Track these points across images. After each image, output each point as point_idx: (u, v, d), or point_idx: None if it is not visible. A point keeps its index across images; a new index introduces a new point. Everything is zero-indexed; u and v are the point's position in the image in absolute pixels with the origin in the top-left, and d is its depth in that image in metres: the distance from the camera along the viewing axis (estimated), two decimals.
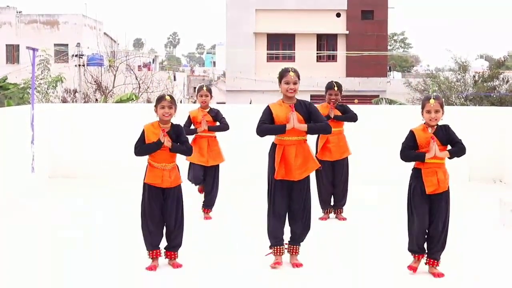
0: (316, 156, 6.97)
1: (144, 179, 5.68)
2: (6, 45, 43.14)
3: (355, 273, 5.68)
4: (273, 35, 36.56)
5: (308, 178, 5.80)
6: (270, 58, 36.89)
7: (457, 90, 28.81)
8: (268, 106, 5.78)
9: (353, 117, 7.75)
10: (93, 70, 29.14)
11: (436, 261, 5.56)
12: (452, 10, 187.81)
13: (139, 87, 26.39)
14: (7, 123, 9.03)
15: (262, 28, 36.11)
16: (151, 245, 5.70)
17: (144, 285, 5.36)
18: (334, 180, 7.79)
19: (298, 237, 5.85)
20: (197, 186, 8.09)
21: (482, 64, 40.67)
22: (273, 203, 5.74)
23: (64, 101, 26.98)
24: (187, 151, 5.75)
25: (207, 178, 7.88)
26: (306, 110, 5.70)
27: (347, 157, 7.84)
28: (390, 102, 24.14)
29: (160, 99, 5.70)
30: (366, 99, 31.64)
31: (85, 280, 5.42)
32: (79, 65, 30.75)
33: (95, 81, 27.15)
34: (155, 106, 5.69)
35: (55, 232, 7.10)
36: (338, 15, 36.43)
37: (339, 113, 7.68)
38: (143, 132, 5.70)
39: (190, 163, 7.89)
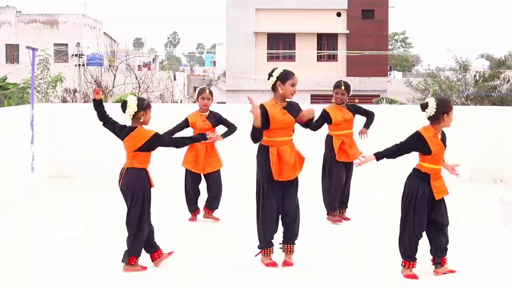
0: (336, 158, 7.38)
1: None
2: (5, 44, 43.17)
3: (356, 274, 5.68)
4: (273, 35, 36.53)
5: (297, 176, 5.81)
6: (271, 58, 36.86)
7: (458, 89, 28.81)
8: (263, 105, 5.72)
9: (371, 117, 7.71)
10: (93, 70, 29.10)
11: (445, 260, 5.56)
12: (453, 9, 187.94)
13: (139, 87, 26.35)
14: (7, 123, 9.02)
15: (262, 28, 36.08)
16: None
17: (144, 285, 5.35)
18: (346, 180, 7.71)
19: (294, 236, 5.86)
20: (190, 215, 7.74)
21: (483, 63, 40.69)
22: (266, 206, 5.69)
23: (64, 101, 26.94)
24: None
25: (210, 184, 7.58)
26: (296, 110, 5.74)
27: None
28: (391, 101, 24.07)
29: None
30: (367, 98, 31.57)
31: (84, 280, 5.41)
32: (79, 65, 30.71)
33: (95, 81, 27.11)
34: None
35: (54, 232, 7.10)
36: (339, 14, 36.42)
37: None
38: None
39: (186, 170, 7.61)
